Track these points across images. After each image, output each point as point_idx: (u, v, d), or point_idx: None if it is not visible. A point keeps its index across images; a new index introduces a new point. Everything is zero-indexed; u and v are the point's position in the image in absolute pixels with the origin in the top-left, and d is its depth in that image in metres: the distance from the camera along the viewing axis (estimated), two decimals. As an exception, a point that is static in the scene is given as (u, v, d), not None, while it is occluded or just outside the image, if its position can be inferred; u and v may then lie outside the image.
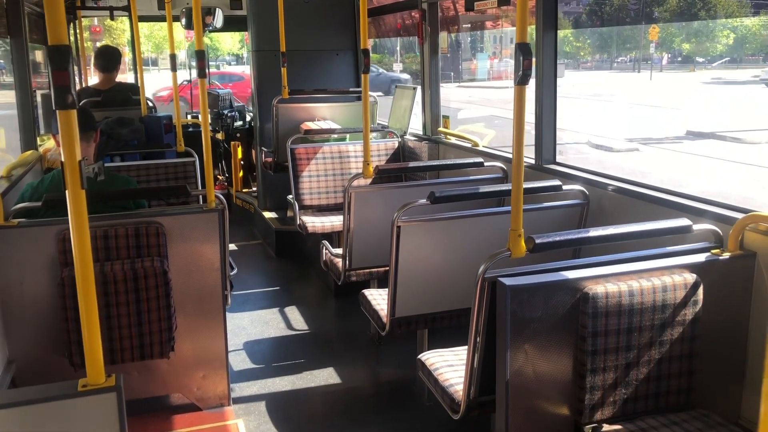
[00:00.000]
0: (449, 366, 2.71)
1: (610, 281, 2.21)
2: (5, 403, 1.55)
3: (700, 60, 31.62)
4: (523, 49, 2.12)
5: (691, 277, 2.27)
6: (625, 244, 2.50)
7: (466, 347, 2.43)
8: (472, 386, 2.40)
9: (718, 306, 2.35)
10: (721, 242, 2.44)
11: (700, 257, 2.38)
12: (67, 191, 1.57)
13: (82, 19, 7.76)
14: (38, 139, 4.74)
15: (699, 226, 2.47)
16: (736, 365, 2.45)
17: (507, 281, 2.12)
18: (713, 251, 2.41)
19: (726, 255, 2.38)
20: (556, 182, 3.22)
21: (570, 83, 24.77)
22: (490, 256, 2.24)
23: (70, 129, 1.55)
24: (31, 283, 2.99)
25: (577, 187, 3.25)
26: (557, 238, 2.31)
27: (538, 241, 2.25)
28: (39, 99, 5.45)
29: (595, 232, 2.39)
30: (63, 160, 1.54)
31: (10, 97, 4.54)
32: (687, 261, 2.34)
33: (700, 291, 2.28)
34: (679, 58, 32.53)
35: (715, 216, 2.65)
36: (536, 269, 2.25)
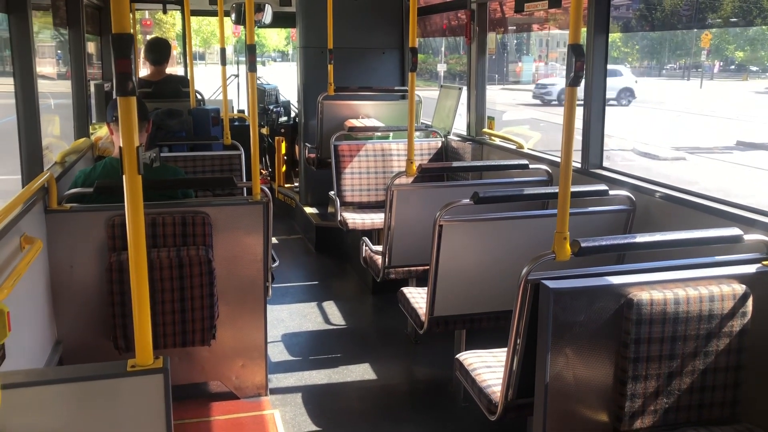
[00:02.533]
0: (487, 367, 2.70)
1: (655, 288, 2.18)
2: (58, 378, 1.60)
3: (754, 69, 30.76)
4: (576, 50, 2.09)
5: (740, 288, 2.22)
6: (671, 252, 2.46)
7: (504, 349, 2.42)
8: (510, 388, 2.39)
9: (767, 318, 2.29)
10: (773, 254, 2.38)
11: (750, 268, 2.32)
12: (124, 176, 1.61)
13: (136, 12, 7.94)
14: (90, 127, 4.87)
15: (750, 237, 2.41)
16: (784, 380, 2.38)
17: (550, 284, 2.11)
18: (764, 263, 2.35)
19: (777, 267, 2.32)
20: (603, 187, 3.17)
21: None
22: (535, 258, 2.22)
23: (129, 115, 1.59)
24: (80, 266, 3.07)
25: (624, 192, 3.20)
26: (603, 243, 2.28)
27: (583, 244, 2.23)
28: (92, 89, 5.59)
29: (642, 238, 2.35)
30: (121, 145, 1.59)
31: (62, 86, 4.67)
32: (736, 271, 2.29)
33: (750, 302, 2.23)
34: (732, 66, 31.70)
35: (767, 227, 2.58)
36: (580, 273, 2.22)
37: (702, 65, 30.77)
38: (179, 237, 3.07)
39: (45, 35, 4.73)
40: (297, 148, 7.26)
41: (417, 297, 3.50)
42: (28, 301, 2.76)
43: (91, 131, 4.87)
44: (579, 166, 3.71)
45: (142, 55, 7.00)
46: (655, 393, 2.20)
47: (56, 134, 4.72)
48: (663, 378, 2.20)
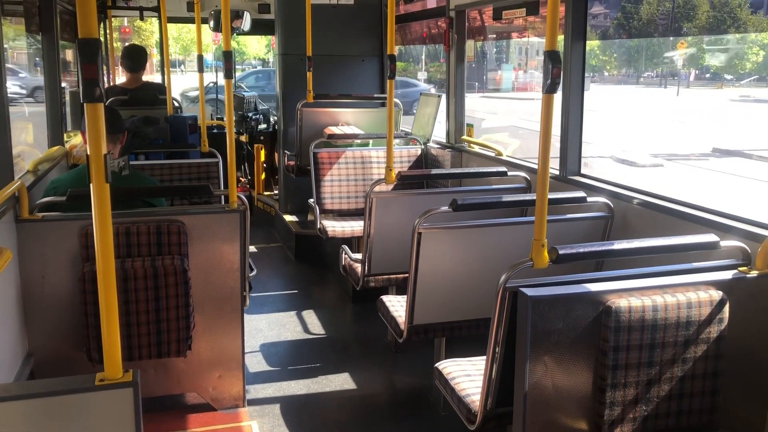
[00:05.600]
0: (466, 376, 2.67)
1: (633, 295, 2.17)
2: (23, 394, 1.55)
3: (728, 77, 31.22)
4: (552, 57, 2.09)
5: (717, 295, 2.22)
6: (649, 258, 2.46)
7: (483, 357, 2.40)
8: (489, 397, 2.37)
9: (744, 325, 2.30)
10: (749, 260, 2.39)
11: (727, 274, 2.33)
12: (91, 184, 1.57)
13: (112, 19, 7.86)
14: (65, 135, 4.80)
15: (726, 243, 2.42)
16: (761, 386, 2.38)
17: (528, 291, 2.09)
18: (741, 269, 2.36)
19: (754, 273, 2.33)
20: (581, 194, 3.18)
21: (595, 97, 24.54)
22: (513, 266, 2.21)
23: (96, 122, 1.55)
24: (52, 276, 3.01)
25: (602, 199, 3.21)
26: (581, 250, 2.27)
27: (561, 252, 2.22)
28: (68, 96, 5.51)
29: (619, 245, 2.35)
30: (88, 153, 1.55)
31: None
32: (713, 278, 2.29)
33: (726, 309, 2.23)
34: (707, 75, 32.15)
35: (743, 233, 2.60)
36: (558, 281, 2.21)
37: (678, 73, 31.15)
38: (154, 246, 3.02)
39: (20, 42, 4.66)
40: (276, 155, 7.22)
41: (396, 305, 3.47)
42: (-3, 313, 2.69)
43: (66, 139, 4.80)
44: (557, 173, 3.71)
45: (120, 62, 6.93)
46: (634, 401, 2.19)
47: (29, 142, 4.64)
48: (642, 385, 2.19)
